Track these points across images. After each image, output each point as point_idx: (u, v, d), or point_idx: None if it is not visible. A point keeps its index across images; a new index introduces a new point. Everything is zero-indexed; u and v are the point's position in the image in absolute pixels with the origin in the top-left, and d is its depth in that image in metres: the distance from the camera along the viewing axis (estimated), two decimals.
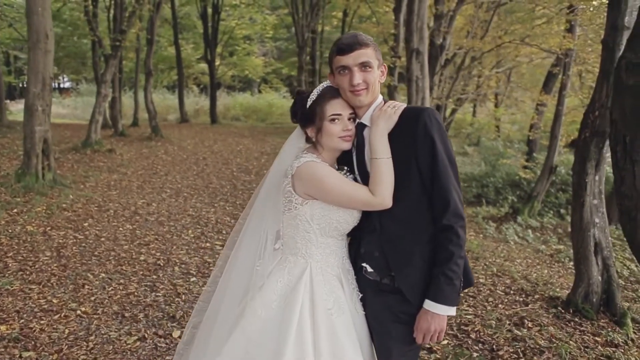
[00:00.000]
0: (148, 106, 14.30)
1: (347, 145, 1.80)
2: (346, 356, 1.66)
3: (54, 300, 4.04)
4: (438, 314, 1.68)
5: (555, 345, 3.43)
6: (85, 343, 3.38)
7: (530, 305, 4.21)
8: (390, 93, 9.28)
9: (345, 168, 1.86)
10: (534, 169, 11.05)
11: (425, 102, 6.54)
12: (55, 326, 3.61)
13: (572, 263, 6.27)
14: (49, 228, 5.86)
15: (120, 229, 6.03)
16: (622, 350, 3.48)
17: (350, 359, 1.66)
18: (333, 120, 1.76)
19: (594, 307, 4.04)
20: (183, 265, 4.94)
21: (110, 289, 4.30)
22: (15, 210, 6.32)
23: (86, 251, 5.20)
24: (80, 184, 8.16)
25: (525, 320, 3.83)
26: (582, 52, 8.56)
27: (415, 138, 1.68)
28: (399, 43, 9.42)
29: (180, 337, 3.53)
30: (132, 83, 24.43)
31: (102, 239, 5.60)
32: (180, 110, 20.43)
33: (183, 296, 4.20)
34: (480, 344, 3.45)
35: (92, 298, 4.10)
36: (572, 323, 3.89)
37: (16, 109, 20.95)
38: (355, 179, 1.85)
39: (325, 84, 1.84)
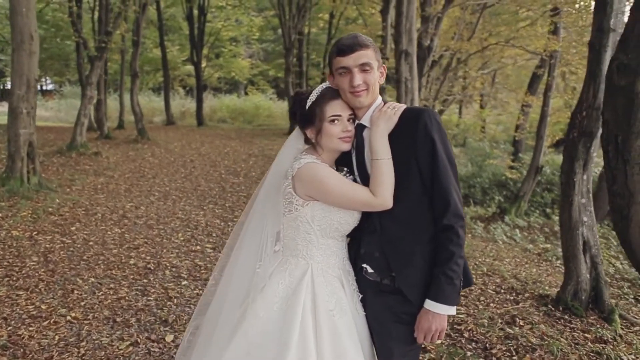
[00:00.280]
0: (134, 108, 14.14)
1: (346, 146, 1.81)
2: (348, 357, 1.66)
3: (43, 306, 3.96)
4: (439, 313, 1.69)
5: (546, 342, 3.47)
6: (76, 349, 3.32)
7: (521, 304, 4.26)
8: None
9: (345, 169, 1.87)
10: (520, 169, 11.21)
11: (414, 103, 6.59)
12: (44, 332, 3.55)
13: (559, 262, 6.38)
14: (35, 233, 5.75)
15: (109, 232, 5.95)
16: (612, 347, 3.54)
17: (352, 358, 1.66)
18: (333, 121, 1.77)
19: (582, 304, 4.10)
20: (174, 269, 4.89)
21: (100, 293, 4.24)
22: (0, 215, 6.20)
23: (74, 256, 5.12)
24: (66, 188, 8.04)
25: (517, 319, 3.88)
26: (566, 53, 8.70)
27: (415, 139, 1.69)
28: (387, 45, 9.48)
29: (173, 341, 3.50)
30: (117, 85, 24.20)
31: (91, 243, 5.52)
32: (167, 113, 20.26)
33: (175, 300, 4.16)
34: (473, 343, 3.48)
35: (82, 303, 4.03)
36: (562, 320, 3.94)
37: None
38: (354, 180, 1.86)
39: (325, 84, 1.84)
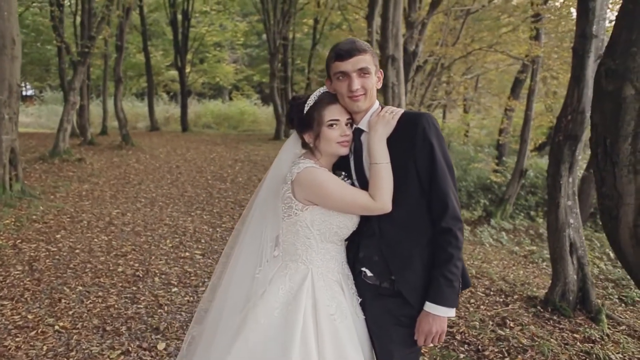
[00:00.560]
0: (118, 114, 13.98)
1: (345, 151, 1.82)
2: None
3: (29, 316, 3.88)
4: (439, 315, 1.71)
5: (537, 343, 3.53)
6: (65, 359, 3.26)
7: (510, 306, 4.32)
8: None
9: (343, 173, 1.88)
10: (504, 173, 11.37)
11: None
12: (32, 343, 3.47)
13: (545, 263, 6.49)
14: (19, 241, 5.64)
15: (95, 240, 5.86)
16: (600, 346, 3.61)
17: None
18: (331, 125, 1.78)
19: (570, 305, 4.18)
20: (163, 276, 4.84)
21: (88, 302, 4.17)
22: None
23: (60, 264, 5.03)
24: (50, 195, 7.90)
25: (507, 320, 3.93)
26: (548, 59, 8.89)
27: (414, 143, 1.71)
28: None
29: (165, 349, 3.46)
30: (99, 91, 23.87)
31: (77, 251, 5.43)
32: (151, 118, 20.06)
33: (165, 307, 4.11)
34: (465, 345, 3.51)
35: (70, 312, 3.96)
36: (551, 321, 4.01)
37: None
38: (352, 184, 1.87)
39: (322, 89, 1.86)
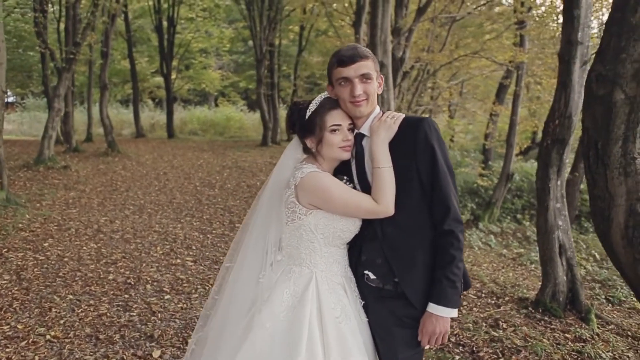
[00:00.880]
0: (104, 121, 13.83)
1: (347, 155, 1.84)
2: None
3: (19, 326, 3.81)
4: (442, 316, 1.74)
5: (530, 343, 3.58)
6: None
7: (502, 307, 4.38)
8: None
9: (345, 177, 1.90)
10: (490, 177, 11.53)
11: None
12: (23, 353, 3.41)
13: (533, 265, 6.58)
14: (5, 250, 5.54)
15: (84, 248, 5.78)
16: (591, 345, 3.68)
17: None
18: (333, 130, 1.80)
19: (560, 305, 4.26)
20: (155, 283, 4.79)
21: (79, 310, 4.11)
22: None
23: (49, 272, 4.96)
24: (36, 203, 7.77)
25: (500, 322, 3.99)
26: (532, 64, 9.07)
27: (416, 147, 1.75)
28: None
29: (160, 357, 3.44)
30: (83, 97, 23.56)
31: (66, 259, 5.35)
32: (136, 125, 19.87)
33: (159, 314, 4.08)
34: (460, 347, 3.55)
35: (61, 321, 3.90)
36: (543, 322, 4.08)
37: None
38: (354, 189, 1.89)
39: (324, 95, 1.88)
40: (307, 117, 1.82)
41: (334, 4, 15.23)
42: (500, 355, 3.44)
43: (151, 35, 21.86)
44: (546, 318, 4.14)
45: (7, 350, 3.44)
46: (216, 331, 1.81)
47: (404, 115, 1.82)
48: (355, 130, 1.87)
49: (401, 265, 1.79)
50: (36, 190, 8.76)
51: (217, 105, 27.14)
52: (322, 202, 1.76)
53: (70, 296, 4.40)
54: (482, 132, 13.86)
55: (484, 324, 3.93)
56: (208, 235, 6.60)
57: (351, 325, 1.75)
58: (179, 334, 3.75)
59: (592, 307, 4.26)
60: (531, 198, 10.84)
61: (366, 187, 1.84)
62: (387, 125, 1.79)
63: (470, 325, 3.88)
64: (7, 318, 3.95)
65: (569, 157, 4.97)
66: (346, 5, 14.45)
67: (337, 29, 14.69)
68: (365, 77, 1.76)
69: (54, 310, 4.11)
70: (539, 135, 17.75)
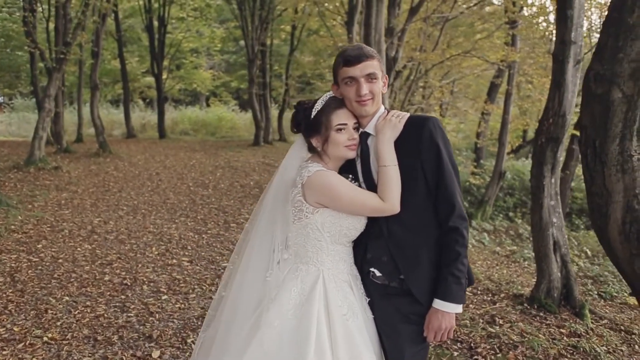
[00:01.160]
0: (95, 121, 13.71)
1: (352, 154, 1.86)
2: (363, 359, 1.70)
3: (15, 329, 3.78)
4: (448, 312, 1.76)
5: (527, 339, 3.63)
6: None
7: (498, 304, 4.43)
8: None
9: (350, 176, 1.91)
10: (482, 175, 11.63)
11: None
12: (20, 356, 3.39)
13: (527, 262, 6.67)
14: None
15: (79, 249, 5.74)
16: (585, 340, 3.74)
17: None
18: (339, 130, 1.82)
19: (555, 301, 4.31)
20: (152, 284, 4.78)
21: (76, 312, 4.08)
22: None
23: (44, 274, 4.91)
24: (27, 204, 7.70)
25: (496, 318, 4.03)
26: (523, 64, 9.16)
27: (421, 145, 1.77)
28: None
29: (160, 357, 3.43)
30: (72, 98, 23.32)
31: (60, 261, 5.31)
32: (127, 125, 19.73)
33: (157, 315, 4.07)
34: (458, 343, 3.59)
35: (58, 323, 3.87)
36: (538, 318, 4.13)
37: None
38: (359, 187, 1.91)
39: (329, 94, 1.90)
40: (312, 117, 1.84)
41: (326, 4, 15.26)
42: (498, 351, 3.48)
43: (142, 34, 21.72)
44: (541, 314, 4.19)
45: (4, 352, 3.41)
46: (223, 330, 1.82)
47: (408, 114, 1.85)
48: (360, 129, 1.89)
49: (407, 263, 1.81)
50: (27, 191, 8.67)
51: (208, 105, 27.04)
52: (329, 200, 1.77)
53: (66, 298, 4.37)
54: (474, 130, 13.96)
55: (481, 321, 3.97)
56: (203, 236, 6.58)
57: (358, 323, 1.77)
58: (178, 334, 3.75)
59: (585, 303, 4.33)
60: (523, 196, 10.96)
61: (371, 186, 1.86)
62: (392, 124, 1.81)
63: (468, 321, 3.92)
64: (3, 320, 3.91)
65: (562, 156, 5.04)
66: (337, 4, 14.49)
67: (329, 29, 14.69)
68: (371, 77, 1.78)
69: (50, 312, 4.08)
70: (530, 133, 17.96)
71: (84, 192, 9.02)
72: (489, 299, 4.58)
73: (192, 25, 20.54)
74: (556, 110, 4.16)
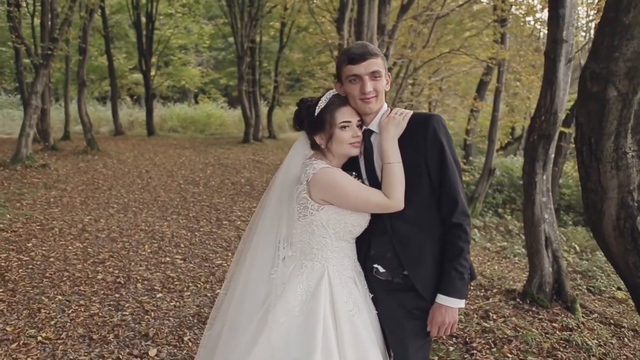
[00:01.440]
0: (83, 118, 13.54)
1: (356, 152, 1.88)
2: (368, 355, 1.72)
3: (8, 328, 3.73)
4: (451, 307, 1.79)
5: (520, 333, 3.69)
6: None
7: (491, 299, 4.49)
8: None
9: (354, 173, 1.93)
10: (472, 172, 11.73)
11: None
12: (15, 356, 3.35)
13: (517, 258, 6.75)
14: None
15: (70, 247, 5.68)
16: (577, 333, 3.81)
17: (372, 357, 1.72)
18: (343, 127, 1.83)
19: (547, 296, 4.39)
20: (146, 282, 4.75)
21: (70, 311, 4.05)
22: None
23: (35, 273, 4.86)
24: (16, 202, 7.59)
25: (490, 313, 4.09)
26: (513, 62, 9.25)
27: (425, 143, 1.79)
28: None
29: (157, 355, 3.42)
30: (57, 94, 22.97)
31: (51, 259, 5.26)
32: (115, 122, 19.50)
33: (152, 313, 4.05)
34: (454, 338, 3.63)
35: (52, 322, 3.84)
36: (531, 312, 4.20)
37: None
38: (362, 184, 1.92)
39: (332, 92, 1.91)
40: (316, 114, 1.85)
41: (316, 0, 15.24)
42: (493, 346, 3.53)
43: (129, 31, 21.46)
44: (534, 308, 4.26)
45: None
46: (228, 328, 1.82)
47: (411, 112, 1.86)
48: (364, 127, 1.90)
49: (411, 259, 1.83)
50: (15, 189, 8.54)
51: (197, 102, 26.84)
52: (334, 197, 1.79)
53: (59, 297, 4.33)
54: (463, 127, 14.07)
55: (475, 316, 4.02)
56: (196, 233, 6.55)
57: (363, 318, 1.79)
58: (174, 332, 3.74)
59: (576, 297, 4.40)
60: (512, 192, 11.09)
61: (374, 183, 1.87)
62: (396, 121, 1.82)
63: (462, 317, 3.97)
64: None
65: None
66: (327, 1, 14.47)
67: (319, 25, 14.67)
68: (375, 75, 1.80)
69: (43, 311, 4.04)
70: (518, 130, 18.15)
71: (73, 190, 8.92)
72: (482, 294, 4.64)
73: (181, 22, 20.36)
74: (548, 107, 4.22)
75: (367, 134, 1.90)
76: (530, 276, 4.48)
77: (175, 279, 4.86)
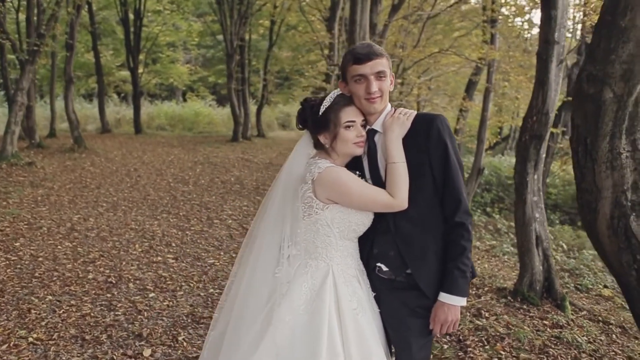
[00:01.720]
0: (69, 116, 13.35)
1: (360, 151, 1.88)
2: (372, 353, 1.73)
3: None
4: (454, 305, 1.81)
5: (512, 331, 3.74)
6: None
7: (482, 297, 4.53)
8: None
9: (357, 172, 1.94)
10: None
11: None
12: (5, 357, 3.30)
13: (506, 257, 6.83)
14: None
15: (59, 247, 5.61)
16: (568, 330, 3.88)
17: (376, 355, 1.74)
18: (348, 127, 1.84)
19: (537, 294, 4.44)
20: (137, 281, 4.71)
21: (61, 311, 4.00)
22: None
23: (24, 273, 4.79)
24: (2, 201, 7.46)
25: (482, 311, 4.13)
26: (503, 62, 9.34)
27: (429, 142, 1.81)
28: (335, 52, 9.69)
29: (152, 355, 3.40)
30: (42, 91, 22.60)
31: (40, 259, 5.18)
32: (101, 120, 19.26)
33: (145, 313, 4.02)
34: (447, 336, 3.67)
35: (43, 323, 3.78)
36: (522, 310, 4.25)
37: None
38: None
39: (336, 91, 1.91)
40: (320, 114, 1.85)
41: None
42: (486, 343, 3.57)
43: (116, 27, 21.20)
44: (525, 306, 4.31)
45: None
46: (232, 327, 1.82)
47: (415, 112, 1.88)
48: (367, 127, 1.91)
49: (414, 258, 1.85)
50: (0, 187, 8.40)
51: (185, 100, 26.63)
52: (340, 196, 1.79)
53: (50, 297, 4.27)
54: (452, 127, 14.14)
55: (468, 314, 4.06)
56: (187, 232, 6.51)
57: (367, 317, 1.80)
58: (168, 332, 3.71)
59: (566, 295, 4.47)
60: (500, 192, 11.21)
61: (378, 182, 1.88)
62: (400, 121, 1.84)
63: None
64: None
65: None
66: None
67: (310, 24, 14.67)
68: (380, 75, 1.81)
69: (33, 311, 3.98)
70: (505, 130, 18.35)
71: (61, 188, 8.79)
72: (473, 292, 4.68)
73: (169, 19, 20.17)
74: (540, 108, 4.27)
75: (371, 133, 1.91)
76: (521, 274, 4.53)
77: (167, 279, 4.83)
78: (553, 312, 4.22)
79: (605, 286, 5.92)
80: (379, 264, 1.91)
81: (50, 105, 16.52)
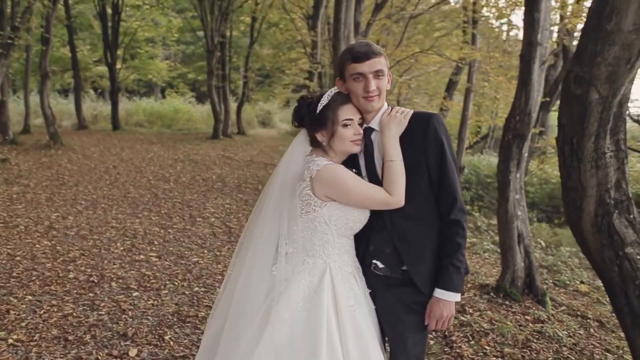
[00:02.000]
0: (45, 111, 13.01)
1: (357, 149, 1.90)
2: (370, 350, 1.75)
3: None
4: (449, 300, 1.84)
5: (496, 326, 3.82)
6: None
7: (466, 294, 4.61)
8: None
9: (354, 170, 1.95)
10: None
11: None
12: None
13: (487, 254, 6.95)
14: None
15: (37, 245, 5.47)
16: (549, 325, 3.98)
17: (373, 352, 1.75)
18: (346, 125, 1.85)
19: (519, 290, 4.54)
20: (120, 280, 4.64)
21: (42, 312, 3.90)
22: None
23: (1, 273, 4.66)
24: None
25: (466, 307, 4.20)
26: (484, 63, 9.49)
27: (425, 141, 1.83)
28: (318, 50, 9.69)
29: (138, 355, 3.35)
30: (15, 86, 21.97)
31: (18, 258, 5.05)
32: (78, 116, 18.81)
33: (130, 312, 3.96)
34: (433, 332, 3.72)
35: (23, 324, 3.69)
36: (504, 306, 4.34)
37: None
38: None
39: (334, 90, 1.92)
40: (318, 111, 1.85)
41: None
42: (471, 339, 3.64)
43: (94, 21, 20.73)
44: (507, 302, 4.41)
45: None
46: (230, 326, 1.81)
47: (412, 111, 1.90)
48: (364, 125, 1.93)
49: (410, 255, 1.87)
50: None
51: (164, 96, 26.23)
52: (338, 193, 1.80)
53: (29, 297, 4.17)
54: None
55: None
56: (169, 230, 6.44)
57: (364, 314, 1.82)
58: (154, 331, 3.67)
59: (547, 291, 4.58)
60: (479, 190, 11.38)
61: (374, 180, 1.90)
62: (397, 120, 1.86)
63: None
64: None
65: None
66: None
67: (292, 21, 14.62)
68: (378, 73, 1.82)
69: (12, 312, 3.88)
70: (484, 129, 18.63)
71: (37, 185, 8.57)
72: None
73: (148, 14, 19.83)
74: (522, 108, 4.36)
75: (368, 131, 1.92)
76: (503, 271, 4.62)
77: (151, 277, 4.77)
78: (534, 308, 4.33)
79: (581, 282, 6.07)
80: (374, 261, 1.93)
81: (24, 100, 16.07)
